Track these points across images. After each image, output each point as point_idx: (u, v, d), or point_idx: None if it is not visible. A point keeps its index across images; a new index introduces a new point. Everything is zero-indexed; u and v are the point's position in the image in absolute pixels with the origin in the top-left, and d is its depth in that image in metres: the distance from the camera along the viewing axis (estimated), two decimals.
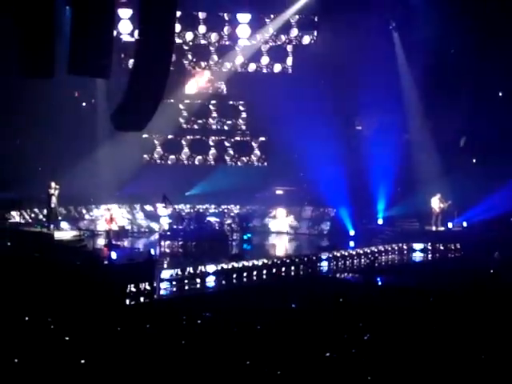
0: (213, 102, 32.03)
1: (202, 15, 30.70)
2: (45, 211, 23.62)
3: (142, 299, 18.50)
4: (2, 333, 12.72)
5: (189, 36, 30.85)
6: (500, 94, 30.22)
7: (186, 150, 32.07)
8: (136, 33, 22.64)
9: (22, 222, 23.59)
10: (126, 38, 29.68)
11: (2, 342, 12.04)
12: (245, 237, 27.39)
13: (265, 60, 31.44)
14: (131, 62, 24.21)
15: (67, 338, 12.57)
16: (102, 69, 18.71)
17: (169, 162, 32.10)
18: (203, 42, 31.09)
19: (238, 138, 32.23)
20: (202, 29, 30.84)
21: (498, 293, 17.52)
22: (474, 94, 29.30)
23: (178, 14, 28.02)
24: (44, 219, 23.57)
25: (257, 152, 32.25)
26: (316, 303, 16.80)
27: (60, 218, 23.70)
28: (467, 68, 29.24)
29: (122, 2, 27.33)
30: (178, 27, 28.95)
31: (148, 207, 29.61)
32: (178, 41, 28.90)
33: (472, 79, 29.34)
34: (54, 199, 22.22)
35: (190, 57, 31.27)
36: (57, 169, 25.63)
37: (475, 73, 29.18)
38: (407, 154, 28.80)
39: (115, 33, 26.43)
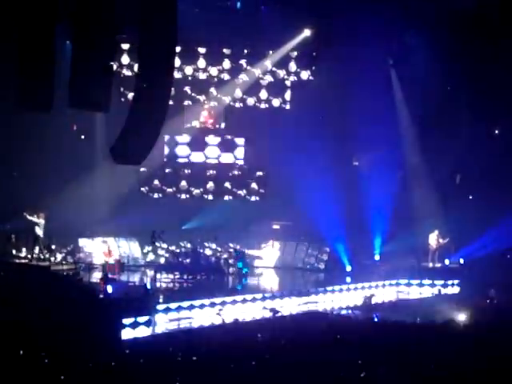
0: (210, 135, 32.14)
1: (201, 50, 30.88)
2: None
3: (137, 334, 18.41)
4: None
5: (188, 70, 31.02)
6: (496, 132, 30.38)
7: (183, 183, 32.06)
8: (135, 67, 22.72)
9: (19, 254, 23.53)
10: (125, 71, 29.83)
11: None
12: (242, 268, 27.19)
13: (263, 95, 31.54)
14: (130, 95, 24.31)
15: (61, 374, 12.42)
16: (101, 103, 18.79)
17: (166, 195, 32.07)
18: (202, 76, 31.21)
19: (235, 172, 32.25)
20: (201, 63, 31.04)
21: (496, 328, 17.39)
22: (470, 130, 29.48)
23: (178, 49, 28.35)
24: (38, 252, 23.38)
25: (254, 186, 32.24)
26: (313, 339, 16.67)
27: (45, 250, 23.52)
28: (464, 105, 29.48)
29: (122, 37, 27.45)
30: (177, 62, 29.08)
31: (145, 240, 29.51)
32: (177, 75, 28.93)
33: (468, 116, 29.55)
34: (37, 229, 21.97)
35: (188, 91, 31.35)
36: (50, 200, 25.49)
37: (471, 109, 29.41)
38: (404, 190, 28.84)
39: (115, 67, 26.69)
